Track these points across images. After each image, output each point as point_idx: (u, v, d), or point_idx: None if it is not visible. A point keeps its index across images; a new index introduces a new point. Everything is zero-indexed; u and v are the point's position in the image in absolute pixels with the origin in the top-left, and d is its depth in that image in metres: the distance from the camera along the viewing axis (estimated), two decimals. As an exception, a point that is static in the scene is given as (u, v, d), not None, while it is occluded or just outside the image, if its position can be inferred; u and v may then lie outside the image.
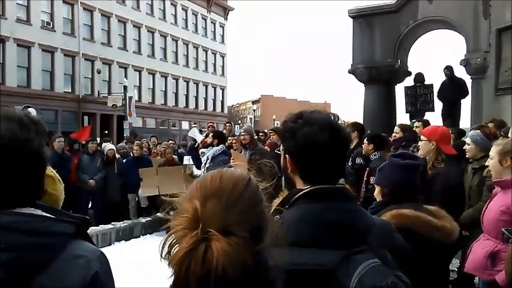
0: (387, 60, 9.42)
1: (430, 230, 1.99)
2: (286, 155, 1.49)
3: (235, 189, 0.94)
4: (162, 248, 0.89)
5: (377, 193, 2.34)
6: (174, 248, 0.88)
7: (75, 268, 1.09)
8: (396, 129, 6.16)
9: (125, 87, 22.77)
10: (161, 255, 0.89)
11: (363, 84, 9.88)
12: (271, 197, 1.17)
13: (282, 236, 0.98)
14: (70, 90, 26.03)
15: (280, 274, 0.95)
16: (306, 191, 1.39)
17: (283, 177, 4.16)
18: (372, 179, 4.84)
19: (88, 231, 1.23)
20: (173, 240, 0.89)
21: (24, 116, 1.17)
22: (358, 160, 5.55)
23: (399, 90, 9.92)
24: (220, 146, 6.74)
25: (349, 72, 9.84)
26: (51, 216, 1.16)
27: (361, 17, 9.70)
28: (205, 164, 6.77)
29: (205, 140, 7.85)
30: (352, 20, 9.82)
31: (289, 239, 1.05)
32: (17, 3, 22.84)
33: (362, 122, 7.63)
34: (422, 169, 2.31)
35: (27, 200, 1.14)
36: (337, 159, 1.45)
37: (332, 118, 1.48)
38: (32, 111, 7.32)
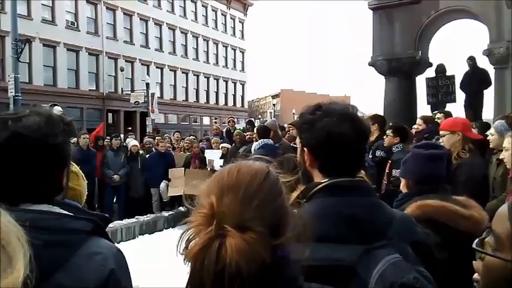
0: (408, 51, 9.27)
1: (456, 219, 1.92)
2: (304, 148, 1.44)
3: (253, 182, 0.91)
4: (180, 243, 0.88)
5: (402, 186, 2.30)
6: (190, 244, 0.87)
7: (92, 265, 1.09)
8: (419, 121, 6.07)
9: (147, 84, 23.04)
10: (178, 251, 0.88)
11: (383, 77, 9.79)
12: (293, 189, 1.14)
13: (305, 231, 0.94)
14: (94, 88, 26.52)
15: (301, 270, 0.92)
16: (324, 184, 1.35)
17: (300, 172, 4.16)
18: (394, 172, 4.80)
19: (112, 225, 1.23)
20: (190, 235, 0.87)
21: (56, 115, 1.19)
22: (379, 153, 5.48)
23: (420, 81, 9.79)
24: (260, 140, 6.72)
25: (369, 64, 9.74)
26: (69, 213, 1.16)
27: (381, 9, 9.58)
28: None
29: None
30: (372, 12, 9.74)
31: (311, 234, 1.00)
32: (42, 4, 23.33)
33: (382, 115, 7.57)
34: (447, 158, 2.26)
35: (45, 196, 1.15)
36: (357, 151, 1.41)
37: (351, 109, 1.42)
38: (58, 109, 7.56)
